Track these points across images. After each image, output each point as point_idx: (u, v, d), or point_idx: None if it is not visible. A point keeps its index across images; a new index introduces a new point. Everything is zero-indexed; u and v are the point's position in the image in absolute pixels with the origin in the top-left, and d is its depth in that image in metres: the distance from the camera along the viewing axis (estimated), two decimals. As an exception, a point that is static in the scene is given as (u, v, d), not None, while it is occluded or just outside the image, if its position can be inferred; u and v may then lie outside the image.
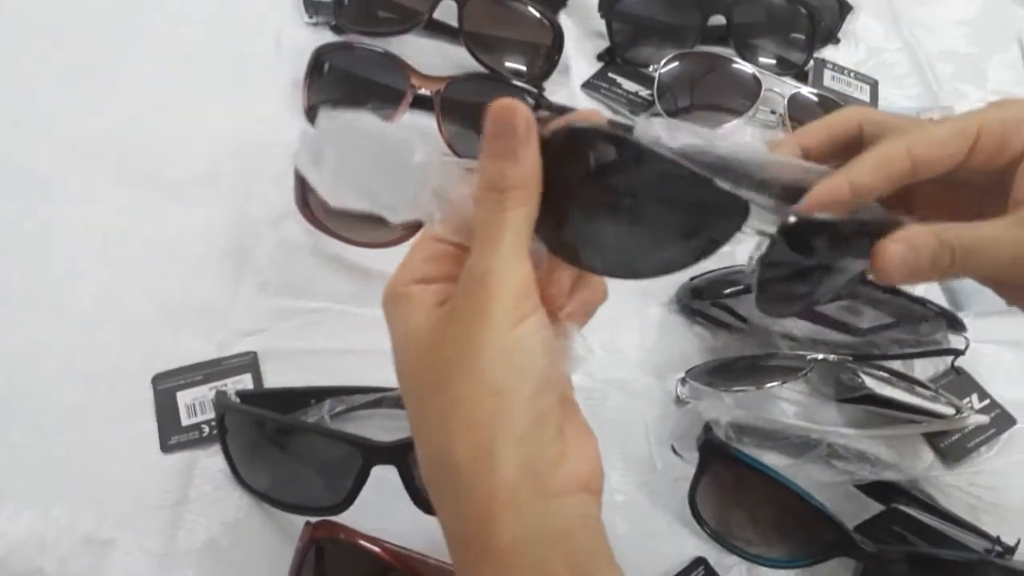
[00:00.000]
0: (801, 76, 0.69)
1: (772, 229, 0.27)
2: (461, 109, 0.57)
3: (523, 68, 0.63)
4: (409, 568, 0.37)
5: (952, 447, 0.49)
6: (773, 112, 0.63)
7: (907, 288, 0.53)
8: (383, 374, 0.45)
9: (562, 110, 0.27)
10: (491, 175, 0.25)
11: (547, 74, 0.64)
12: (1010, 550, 0.42)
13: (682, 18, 0.67)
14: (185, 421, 0.45)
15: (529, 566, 0.24)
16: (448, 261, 0.27)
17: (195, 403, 0.45)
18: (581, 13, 0.70)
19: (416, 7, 0.62)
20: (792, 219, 0.27)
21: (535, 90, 0.59)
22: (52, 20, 0.62)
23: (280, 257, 0.52)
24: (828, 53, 0.72)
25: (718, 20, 0.67)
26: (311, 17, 0.65)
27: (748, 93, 0.63)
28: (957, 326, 0.52)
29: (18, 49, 0.60)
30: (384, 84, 0.58)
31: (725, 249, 0.26)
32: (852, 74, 0.71)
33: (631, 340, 0.52)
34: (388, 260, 0.51)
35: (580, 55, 0.67)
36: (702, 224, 0.25)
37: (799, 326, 0.51)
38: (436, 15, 0.62)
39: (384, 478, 0.39)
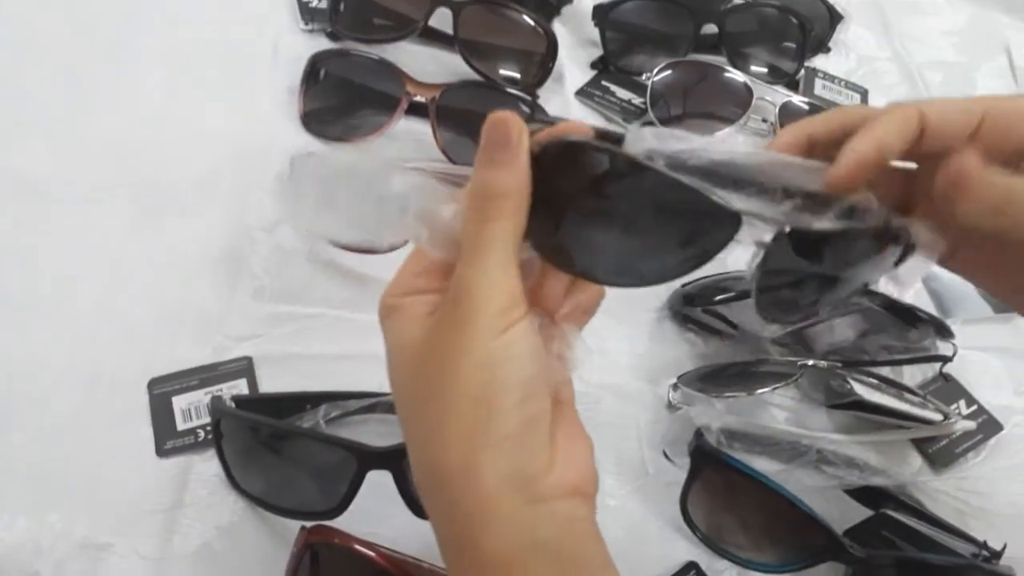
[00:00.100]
0: (792, 85, 0.70)
1: (767, 237, 0.27)
2: (456, 116, 0.58)
3: (517, 75, 0.64)
4: (404, 573, 0.37)
5: (940, 453, 0.49)
6: (764, 120, 0.64)
7: (896, 296, 0.53)
8: (378, 379, 0.46)
9: (553, 122, 0.26)
10: (479, 184, 0.25)
11: (541, 82, 0.64)
12: (997, 555, 0.43)
13: (675, 27, 0.68)
14: (181, 426, 0.45)
15: (516, 574, 0.24)
16: (439, 274, 0.27)
17: (191, 408, 0.46)
18: (575, 21, 0.70)
19: (411, 15, 0.63)
20: (788, 228, 0.27)
21: (529, 98, 0.60)
22: (51, 27, 0.62)
23: (276, 263, 0.52)
24: (819, 62, 0.73)
25: (710, 29, 0.67)
26: (307, 24, 0.66)
27: (740, 101, 0.64)
28: (945, 333, 0.52)
29: (17, 57, 0.60)
30: (380, 91, 0.58)
31: (717, 256, 0.26)
32: (843, 83, 0.71)
33: (623, 345, 0.52)
34: (383, 266, 0.51)
35: (574, 63, 0.68)
36: (694, 235, 0.25)
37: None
38: (431, 23, 0.62)
39: (379, 483, 0.39)
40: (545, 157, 0.25)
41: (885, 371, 0.51)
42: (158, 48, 0.63)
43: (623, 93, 0.66)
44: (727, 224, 0.25)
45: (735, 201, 0.25)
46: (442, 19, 0.62)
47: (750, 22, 0.69)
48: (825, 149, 0.31)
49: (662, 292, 0.55)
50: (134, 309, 0.49)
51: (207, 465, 0.44)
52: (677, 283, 0.54)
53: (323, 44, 0.64)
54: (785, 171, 0.28)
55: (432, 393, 0.25)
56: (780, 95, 0.64)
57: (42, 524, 0.41)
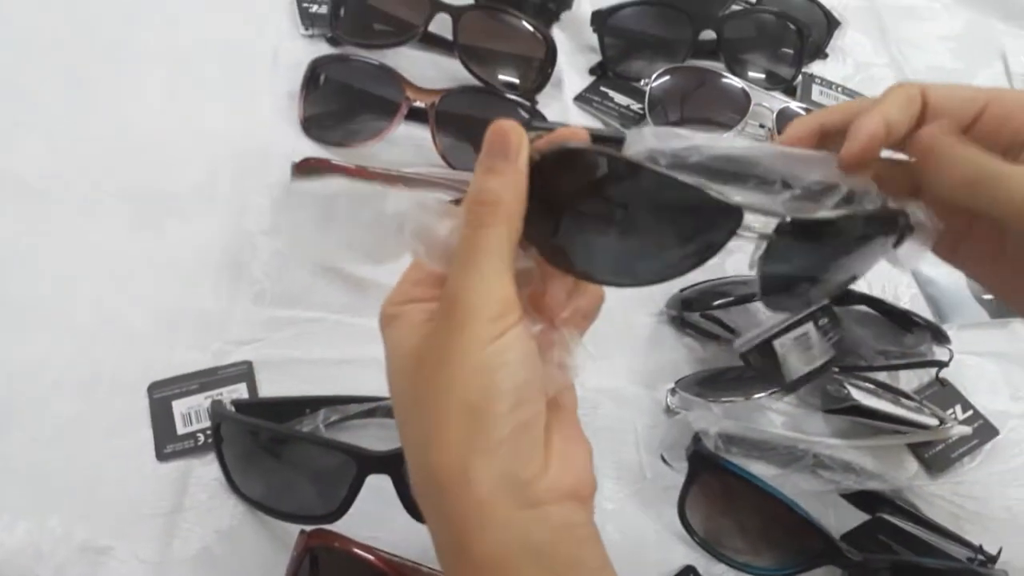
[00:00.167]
0: (790, 91, 0.70)
1: (769, 229, 0.27)
2: (455, 121, 0.58)
3: (516, 81, 0.64)
4: (403, 576, 0.38)
5: (936, 457, 0.50)
6: (762, 126, 0.64)
7: (892, 301, 0.54)
8: (378, 384, 0.46)
9: (553, 128, 0.27)
10: (475, 190, 0.25)
11: (540, 87, 0.64)
12: (992, 559, 0.43)
13: (673, 33, 0.68)
14: (181, 430, 0.45)
15: None
16: (437, 283, 0.27)
17: (191, 412, 0.46)
18: (574, 27, 0.71)
19: (411, 20, 0.63)
20: (788, 219, 0.27)
21: (528, 103, 0.60)
22: (51, 29, 0.63)
23: (276, 267, 0.52)
24: (816, 68, 0.73)
25: (708, 35, 0.68)
26: (307, 29, 0.66)
27: (737, 107, 0.64)
28: (941, 338, 0.53)
29: (17, 57, 0.61)
30: (379, 96, 0.59)
31: (714, 261, 0.26)
32: (840, 89, 0.72)
33: (622, 350, 0.53)
34: (383, 271, 0.51)
35: (573, 69, 0.68)
36: (697, 231, 0.26)
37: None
38: (431, 28, 0.62)
39: (378, 487, 0.39)
40: (545, 164, 0.25)
41: (882, 376, 0.51)
42: (157, 55, 0.63)
43: (622, 99, 0.67)
44: (729, 218, 0.25)
45: (736, 195, 0.25)
46: (442, 25, 0.62)
47: (748, 28, 0.70)
48: (837, 138, 0.32)
49: (660, 297, 0.55)
50: (134, 312, 0.50)
51: (207, 469, 0.44)
52: (675, 288, 0.54)
53: (323, 49, 0.64)
54: (784, 162, 0.28)
55: (428, 398, 0.25)
56: (778, 101, 0.64)
57: (42, 528, 0.41)
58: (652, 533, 0.45)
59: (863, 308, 0.54)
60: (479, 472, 0.24)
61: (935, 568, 0.42)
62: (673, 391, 0.49)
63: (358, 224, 0.26)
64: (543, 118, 0.59)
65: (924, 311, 0.57)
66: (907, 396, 0.50)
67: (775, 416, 0.50)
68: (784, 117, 0.63)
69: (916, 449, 0.50)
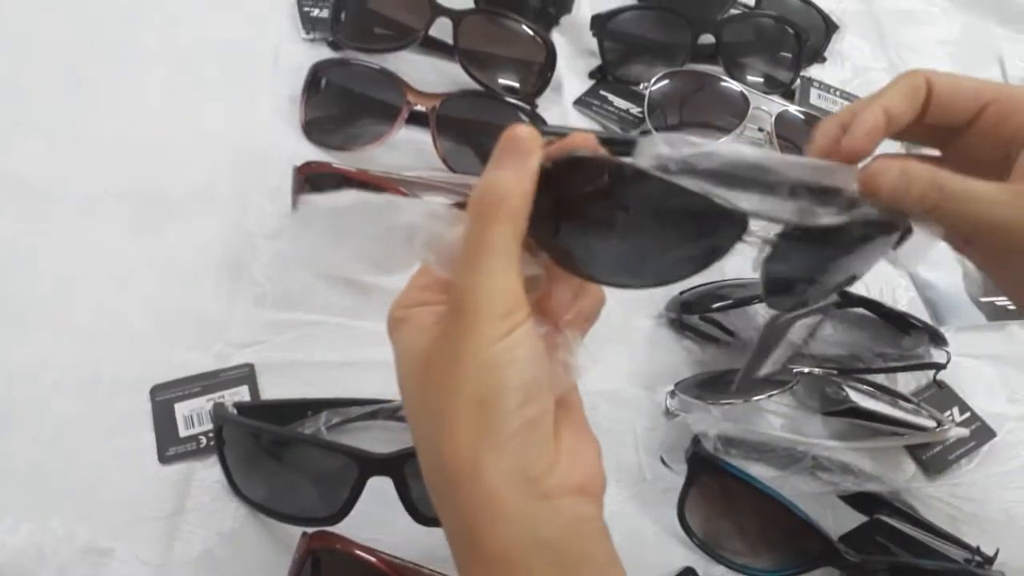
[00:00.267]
0: (788, 94, 0.70)
1: (773, 235, 0.28)
2: (456, 125, 0.58)
3: (516, 85, 0.64)
4: (404, 578, 0.38)
5: (933, 459, 0.50)
6: (761, 130, 0.65)
7: (890, 304, 0.54)
8: (379, 386, 0.47)
9: (565, 134, 0.27)
10: (482, 186, 0.26)
11: (540, 91, 0.65)
12: (989, 560, 0.43)
13: (672, 37, 0.68)
14: (183, 432, 0.45)
15: (519, 572, 0.25)
16: (445, 288, 0.28)
17: (193, 414, 0.46)
18: (573, 31, 0.71)
19: (412, 24, 0.63)
20: (792, 226, 0.28)
21: (528, 107, 0.60)
22: (50, 32, 0.63)
23: (277, 270, 0.52)
24: (815, 72, 0.74)
25: (708, 39, 0.68)
26: (308, 33, 0.66)
27: (736, 111, 0.64)
28: (939, 340, 0.53)
29: (17, 58, 0.61)
30: (380, 100, 0.59)
31: (726, 255, 0.27)
32: (838, 92, 0.72)
33: (621, 353, 0.53)
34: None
35: (572, 73, 0.69)
36: (703, 237, 0.26)
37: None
38: (432, 32, 0.63)
39: (380, 489, 0.40)
40: (555, 170, 0.26)
41: (879, 378, 0.51)
42: (159, 58, 0.63)
43: (621, 103, 0.67)
44: (734, 224, 0.26)
45: (743, 200, 0.26)
46: (442, 29, 0.63)
47: (747, 32, 0.70)
48: (901, 121, 0.32)
49: (659, 300, 0.55)
50: (134, 313, 0.50)
51: (209, 471, 0.44)
52: (674, 290, 0.54)
53: (324, 53, 0.65)
54: (791, 169, 0.29)
55: (439, 396, 0.26)
56: (776, 104, 0.65)
57: (45, 530, 0.41)
58: (651, 535, 0.46)
59: (861, 311, 0.54)
60: (489, 466, 0.25)
61: (933, 569, 0.42)
62: (672, 393, 0.49)
63: (369, 236, 0.27)
64: (543, 122, 0.59)
65: (922, 314, 0.57)
66: (905, 398, 0.51)
67: (774, 418, 0.50)
68: (782, 120, 0.64)
69: (914, 451, 0.50)
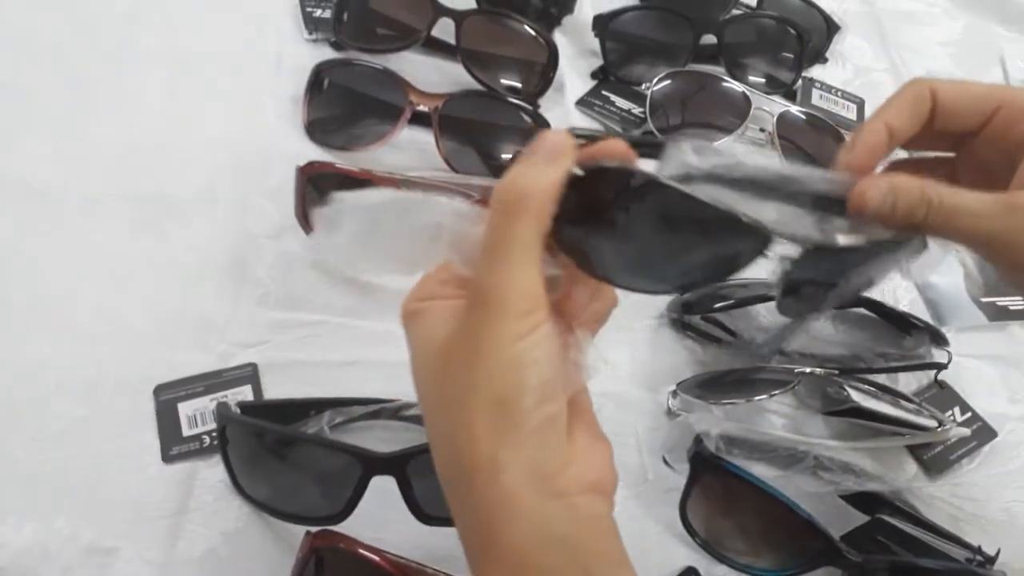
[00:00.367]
0: (790, 95, 0.70)
1: (794, 252, 0.28)
2: (458, 125, 0.58)
3: (519, 85, 0.65)
4: (408, 578, 0.38)
5: (935, 459, 0.50)
6: (762, 130, 0.65)
7: (891, 304, 0.54)
8: (381, 385, 0.47)
9: (597, 137, 0.28)
10: (508, 181, 0.26)
11: (542, 91, 0.65)
12: (990, 560, 0.43)
13: (674, 37, 0.68)
14: (186, 432, 0.46)
15: (534, 568, 0.25)
16: (464, 284, 0.28)
17: (196, 414, 0.46)
18: (575, 32, 0.71)
19: (414, 25, 0.63)
20: (812, 245, 0.28)
21: (530, 107, 0.60)
22: (53, 36, 0.63)
23: (280, 270, 0.53)
24: (816, 72, 0.74)
25: (709, 39, 0.68)
26: (311, 34, 0.66)
27: (738, 111, 0.64)
28: (940, 341, 0.53)
29: (19, 59, 0.61)
30: (383, 100, 0.59)
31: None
32: (839, 93, 0.72)
33: (623, 353, 0.53)
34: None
35: (574, 73, 0.69)
36: (727, 250, 0.27)
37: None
38: (434, 33, 0.63)
39: (383, 488, 0.40)
40: (583, 177, 0.26)
41: (881, 378, 0.51)
42: (161, 59, 0.63)
43: (623, 103, 0.67)
44: (758, 240, 0.27)
45: (767, 211, 0.27)
46: (444, 29, 0.63)
47: (748, 33, 0.70)
48: (905, 134, 0.33)
49: (661, 300, 0.55)
50: (137, 314, 0.50)
51: (212, 471, 0.44)
52: (676, 291, 0.55)
53: (327, 54, 0.65)
54: (812, 180, 0.30)
55: (458, 392, 0.26)
56: (778, 105, 0.65)
57: (49, 530, 0.41)
58: (654, 535, 0.46)
59: (862, 311, 0.54)
60: (508, 464, 0.25)
61: (934, 569, 0.42)
62: (674, 393, 0.50)
63: (395, 234, 0.27)
64: (545, 122, 0.59)
65: (923, 314, 0.57)
66: (906, 398, 0.51)
67: (776, 418, 0.50)
68: (784, 121, 0.64)
69: (915, 451, 0.51)
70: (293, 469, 0.43)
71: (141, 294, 0.51)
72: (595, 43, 0.69)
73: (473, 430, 0.25)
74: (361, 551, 0.38)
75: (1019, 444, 0.52)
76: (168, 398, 0.47)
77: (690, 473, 0.44)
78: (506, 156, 0.59)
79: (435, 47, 0.65)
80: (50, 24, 0.63)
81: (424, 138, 0.59)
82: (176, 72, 0.62)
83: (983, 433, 0.51)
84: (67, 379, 0.47)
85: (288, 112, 0.61)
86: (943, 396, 0.53)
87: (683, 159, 0.27)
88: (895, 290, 0.59)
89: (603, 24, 0.68)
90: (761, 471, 0.45)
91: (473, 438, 0.25)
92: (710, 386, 0.50)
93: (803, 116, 0.65)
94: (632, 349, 0.53)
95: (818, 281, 0.32)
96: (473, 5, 0.65)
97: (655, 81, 0.65)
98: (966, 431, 0.50)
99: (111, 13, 0.65)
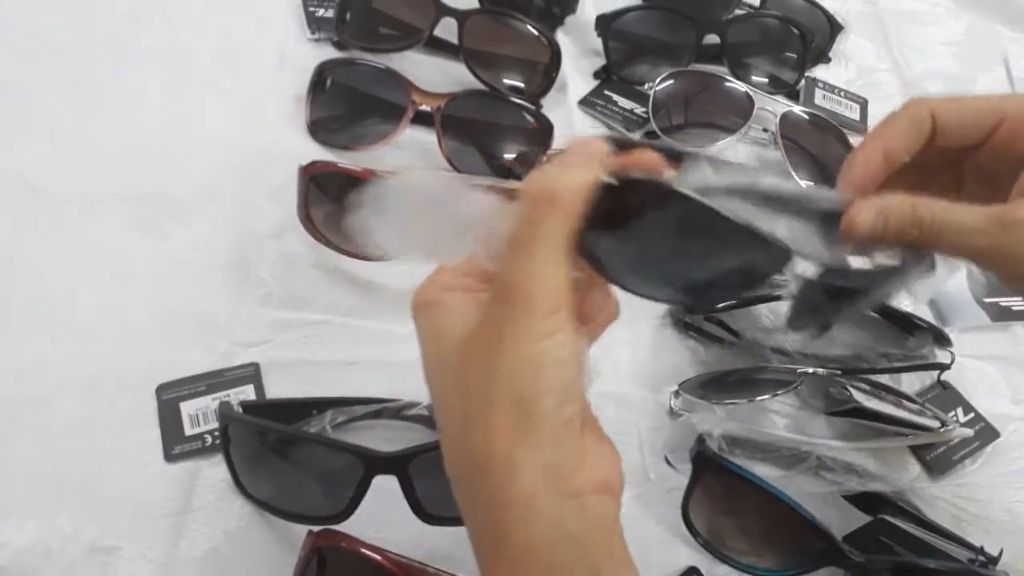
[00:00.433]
0: (793, 95, 0.70)
1: (809, 271, 0.29)
2: (461, 125, 0.58)
3: (521, 85, 0.65)
4: (409, 577, 0.38)
5: (938, 459, 0.50)
6: (765, 130, 0.65)
7: (895, 304, 0.54)
8: (384, 385, 0.47)
9: (630, 143, 0.29)
10: (544, 179, 0.25)
11: (545, 91, 0.65)
12: (993, 560, 0.43)
13: (677, 37, 0.68)
14: (188, 431, 0.46)
15: (546, 566, 0.25)
16: (487, 279, 0.27)
17: (198, 413, 0.46)
18: (578, 31, 0.71)
19: (417, 24, 0.63)
20: (824, 269, 0.30)
21: (533, 107, 0.60)
22: (53, 36, 0.63)
23: (282, 270, 0.53)
24: (819, 72, 0.74)
25: (712, 39, 0.68)
26: (314, 33, 0.66)
27: (741, 111, 0.64)
28: (943, 341, 0.53)
29: (20, 59, 0.61)
30: (385, 100, 0.59)
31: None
32: (843, 93, 0.72)
33: (626, 353, 0.53)
34: (389, 272, 0.52)
35: (577, 72, 0.69)
36: (747, 266, 0.28)
37: (790, 340, 0.52)
38: (437, 32, 0.63)
39: (385, 488, 0.40)
40: (612, 186, 0.26)
41: (884, 379, 0.51)
42: (163, 58, 0.63)
43: (625, 103, 0.67)
44: (777, 258, 0.27)
45: (782, 227, 0.28)
46: (447, 29, 0.63)
47: (751, 32, 0.70)
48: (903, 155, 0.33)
49: (663, 300, 0.55)
50: (138, 313, 0.50)
51: (214, 470, 0.44)
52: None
53: (330, 53, 0.65)
54: (825, 201, 0.30)
55: (475, 387, 0.25)
56: (781, 105, 0.64)
57: (51, 528, 0.41)
58: (656, 534, 0.46)
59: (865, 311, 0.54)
60: (525, 464, 0.25)
61: (936, 569, 0.42)
62: (676, 393, 0.50)
63: (433, 222, 0.27)
64: (548, 122, 0.59)
65: (926, 314, 0.57)
66: (909, 398, 0.51)
67: (778, 418, 0.50)
68: (787, 121, 0.64)
69: (918, 451, 0.51)
70: (295, 468, 0.43)
71: (142, 293, 0.51)
72: (598, 43, 0.69)
73: (490, 427, 0.25)
74: (363, 550, 0.38)
75: (1022, 444, 0.52)
76: (170, 397, 0.47)
77: (692, 473, 0.44)
78: (508, 156, 0.59)
79: (438, 47, 0.65)
80: (50, 24, 0.63)
81: (426, 138, 0.59)
82: (177, 72, 0.62)
83: (986, 434, 0.51)
84: (68, 378, 0.47)
85: (290, 111, 0.61)
86: (946, 396, 0.53)
87: (702, 174, 0.28)
88: (898, 290, 0.59)
89: (606, 24, 0.68)
90: (763, 471, 0.45)
91: (490, 435, 0.25)
92: (712, 386, 0.50)
93: (806, 116, 0.65)
94: (634, 349, 0.53)
95: (828, 301, 0.32)
96: (476, 5, 0.65)
97: (658, 81, 0.65)
98: (969, 432, 0.50)
99: (111, 13, 0.65)
